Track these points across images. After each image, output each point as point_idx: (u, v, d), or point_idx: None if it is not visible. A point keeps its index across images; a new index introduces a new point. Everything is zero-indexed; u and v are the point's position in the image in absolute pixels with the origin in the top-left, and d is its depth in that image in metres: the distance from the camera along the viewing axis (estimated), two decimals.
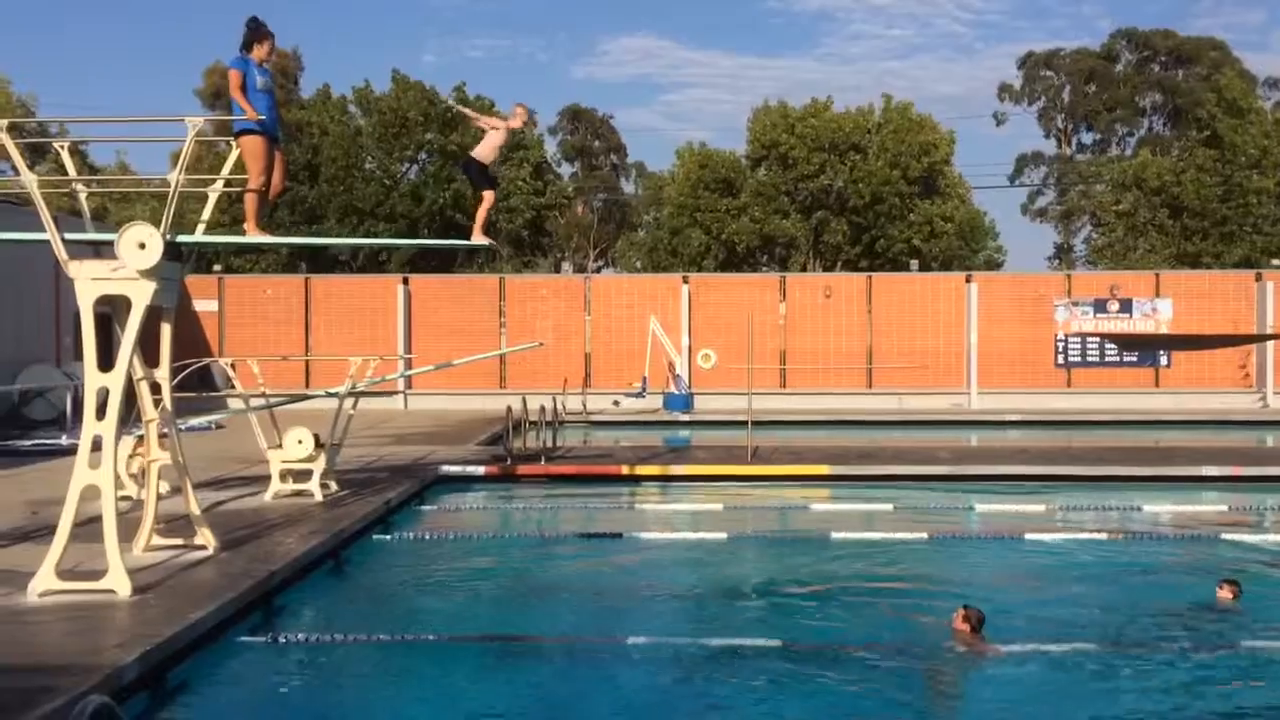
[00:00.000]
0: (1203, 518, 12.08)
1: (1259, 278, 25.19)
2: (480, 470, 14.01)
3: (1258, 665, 6.91)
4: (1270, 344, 24.06)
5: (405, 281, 25.87)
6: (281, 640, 7.16)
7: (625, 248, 52.85)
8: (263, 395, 12.33)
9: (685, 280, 25.91)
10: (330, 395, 12.63)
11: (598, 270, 55.52)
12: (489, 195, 10.25)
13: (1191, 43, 58.15)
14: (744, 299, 24.66)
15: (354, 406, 12.55)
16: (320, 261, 37.11)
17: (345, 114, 40.02)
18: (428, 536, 10.68)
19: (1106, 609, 8.18)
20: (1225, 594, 8.12)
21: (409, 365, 21.65)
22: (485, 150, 10.39)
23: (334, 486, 11.62)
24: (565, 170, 60.01)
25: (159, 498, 8.58)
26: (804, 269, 38.89)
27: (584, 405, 22.85)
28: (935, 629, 7.34)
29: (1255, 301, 24.70)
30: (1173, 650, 7.10)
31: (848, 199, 38.15)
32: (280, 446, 11.26)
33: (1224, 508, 12.48)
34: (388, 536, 10.58)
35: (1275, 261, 32.25)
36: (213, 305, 25.45)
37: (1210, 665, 6.85)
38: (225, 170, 10.07)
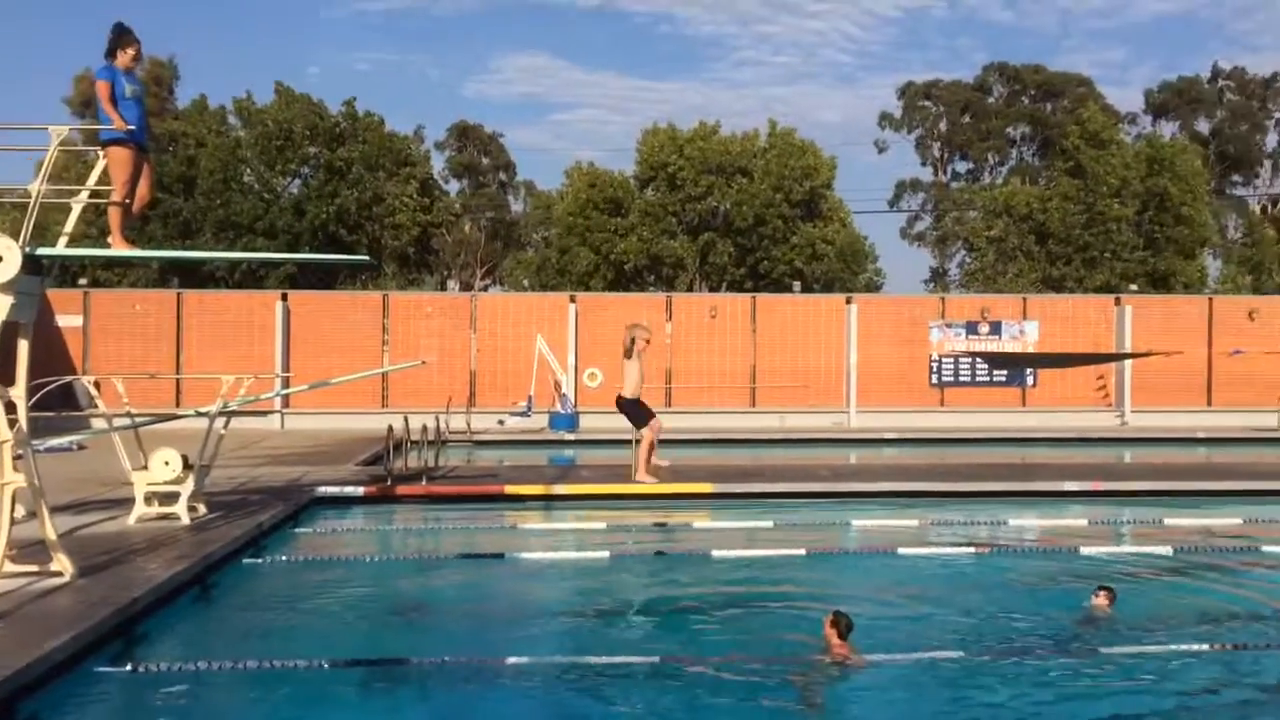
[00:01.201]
0: (1065, 531, 12.58)
1: (1118, 302, 26.46)
2: (359, 491, 13.72)
3: (1123, 670, 7.20)
4: (1128, 366, 25.29)
5: (284, 298, 25.25)
6: (142, 670, 6.88)
7: (513, 266, 52.64)
8: (128, 414, 11.85)
9: (573, 299, 25.92)
10: (200, 415, 12.21)
11: (485, 289, 55.15)
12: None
13: (1059, 77, 61.02)
14: (631, 318, 24.74)
15: (226, 426, 12.17)
16: (194, 277, 35.95)
17: (224, 125, 38.95)
18: (302, 560, 10.40)
19: (976, 618, 8.44)
20: (1101, 600, 8.43)
21: (285, 384, 21.11)
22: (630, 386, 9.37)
23: (203, 509, 11.23)
24: (452, 187, 59.52)
25: (13, 522, 8.17)
26: (690, 289, 39.34)
27: (468, 424, 22.60)
28: (810, 641, 7.47)
29: (1114, 324, 25.93)
30: (1040, 657, 7.37)
31: (733, 221, 38.76)
32: (146, 468, 10.84)
33: (1084, 521, 13.01)
34: (259, 560, 10.27)
35: (1133, 287, 33.99)
36: (77, 321, 24.40)
37: (1076, 670, 7.13)
38: (91, 180, 9.68)
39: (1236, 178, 62.50)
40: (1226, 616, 8.58)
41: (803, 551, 10.92)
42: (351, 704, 6.62)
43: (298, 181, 39.18)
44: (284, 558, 10.44)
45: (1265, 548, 11.20)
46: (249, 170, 38.22)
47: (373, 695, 6.77)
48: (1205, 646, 7.59)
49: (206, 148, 37.11)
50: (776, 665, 7.17)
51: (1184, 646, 7.60)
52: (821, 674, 7.03)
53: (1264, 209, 57.57)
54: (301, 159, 38.35)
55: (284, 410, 24.04)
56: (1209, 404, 25.84)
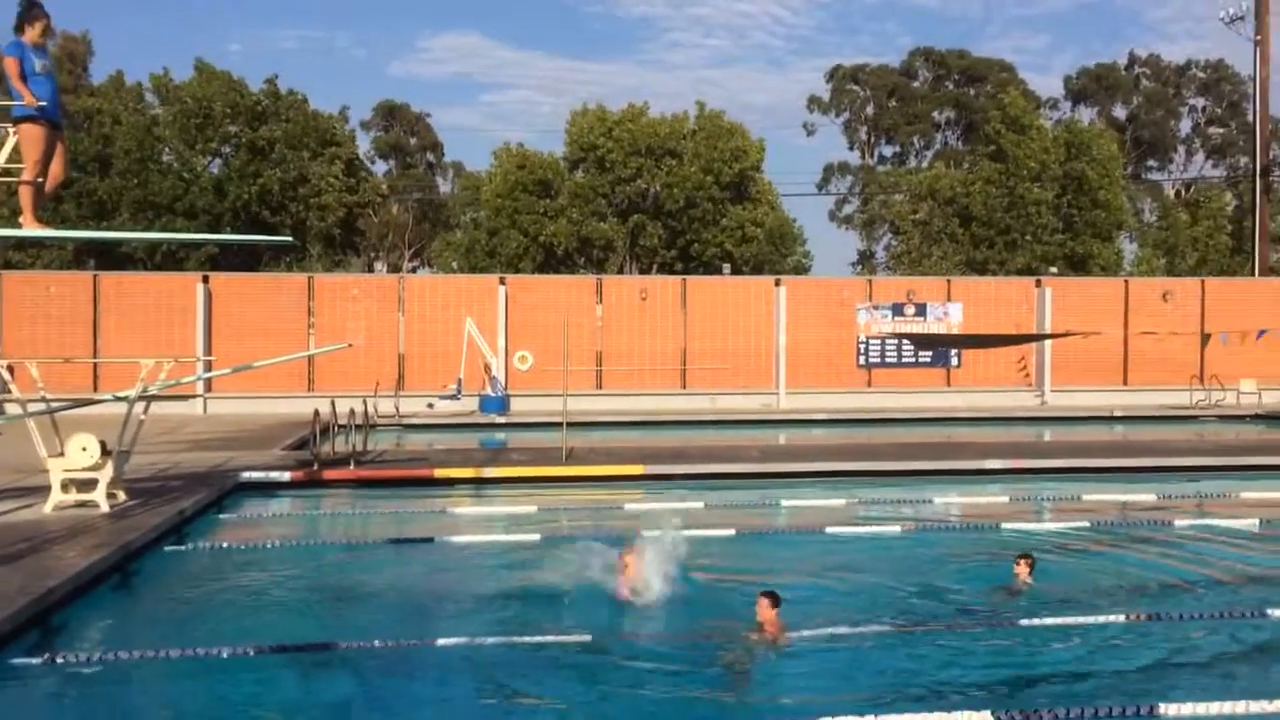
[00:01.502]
0: (987, 507, 12.88)
1: (1039, 284, 27.06)
2: (285, 476, 13.51)
3: (1043, 640, 7.40)
4: (1048, 347, 25.91)
5: (205, 280, 24.69)
6: (60, 660, 6.71)
7: (442, 248, 52.11)
8: (43, 399, 11.51)
9: (502, 281, 25.75)
10: (119, 399, 11.91)
11: (413, 270, 54.53)
12: None
13: (983, 63, 62.04)
14: (561, 301, 24.75)
15: (146, 411, 11.89)
16: (111, 258, 34.98)
17: (141, 103, 37.88)
18: (226, 546, 10.22)
19: (902, 593, 8.63)
20: (1021, 569, 8.69)
21: (208, 367, 20.67)
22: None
23: (122, 496, 10.97)
24: (379, 168, 58.68)
25: None
26: (621, 271, 39.33)
27: (397, 408, 22.37)
28: (741, 618, 7.55)
29: (1035, 306, 26.53)
30: (964, 628, 7.55)
31: (663, 203, 38.80)
32: (62, 454, 10.56)
33: (1005, 498, 13.32)
34: (182, 548, 10.07)
35: (1053, 269, 34.79)
36: None
37: (998, 641, 7.32)
38: (0, 159, 9.36)
39: (1152, 162, 64.26)
40: (1140, 587, 8.87)
41: (733, 531, 11.03)
42: (278, 690, 6.54)
43: (218, 161, 38.29)
44: (208, 544, 10.25)
45: (1177, 521, 11.58)
46: (167, 149, 37.25)
47: (300, 681, 6.69)
48: (1120, 617, 7.84)
49: (123, 125, 36.06)
50: (708, 642, 7.24)
51: (1100, 618, 7.84)
52: (752, 650, 7.12)
53: (1178, 193, 59.28)
54: (222, 138, 37.47)
55: (207, 395, 23.55)
56: (1125, 383, 26.58)
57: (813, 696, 6.26)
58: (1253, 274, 32.53)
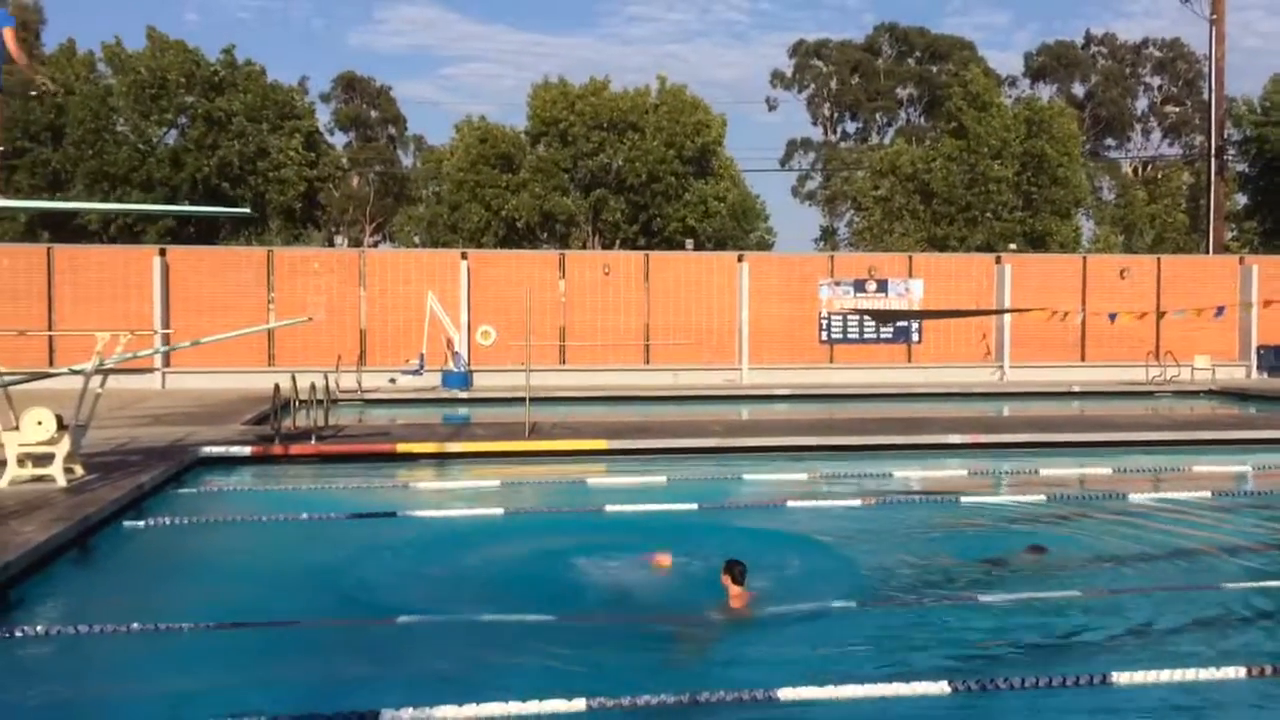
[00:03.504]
0: (948, 481, 13.04)
1: (999, 260, 27.32)
2: (245, 451, 13.39)
3: (1003, 613, 7.51)
4: (1007, 323, 26.20)
5: (162, 253, 24.34)
6: (18, 634, 6.63)
7: (403, 222, 51.63)
8: None
9: (464, 256, 25.60)
10: (75, 373, 11.74)
11: (374, 245, 54.06)
12: None
13: (945, 40, 62.26)
14: (524, 276, 24.65)
15: (103, 385, 11.73)
16: (66, 232, 34.33)
17: (94, 72, 37.10)
18: (186, 522, 10.12)
19: (864, 567, 8.70)
20: (1030, 556, 8.87)
21: (166, 340, 20.40)
22: None
23: (80, 471, 10.83)
24: (339, 140, 57.99)
25: None
26: (584, 247, 39.21)
27: (359, 383, 22.24)
28: (704, 592, 7.60)
29: (995, 282, 26.79)
30: (925, 603, 7.66)
31: (625, 178, 38.68)
32: (17, 429, 10.39)
33: (965, 472, 13.49)
34: (140, 523, 9.95)
35: (1012, 246, 35.14)
36: None
37: (959, 615, 7.42)
38: None
39: (1110, 141, 64.93)
40: (1096, 559, 9.03)
41: (695, 506, 11.08)
42: (239, 666, 6.50)
43: (174, 133, 37.63)
44: (167, 520, 10.14)
45: (1132, 495, 11.78)
46: (122, 120, 36.53)
47: (260, 657, 6.65)
48: (1077, 592, 7.97)
49: (76, 96, 35.31)
50: (671, 617, 7.29)
51: (1058, 592, 7.98)
52: (716, 623, 7.17)
53: (1135, 171, 59.96)
54: (178, 108, 36.81)
55: (165, 370, 23.27)
56: (1083, 359, 26.96)
57: (775, 669, 6.32)
58: (1207, 252, 33.03)
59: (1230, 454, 14.66)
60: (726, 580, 7.33)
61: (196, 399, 20.34)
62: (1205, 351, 26.37)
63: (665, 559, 8.32)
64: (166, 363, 23.21)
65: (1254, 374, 26.86)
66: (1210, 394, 24.28)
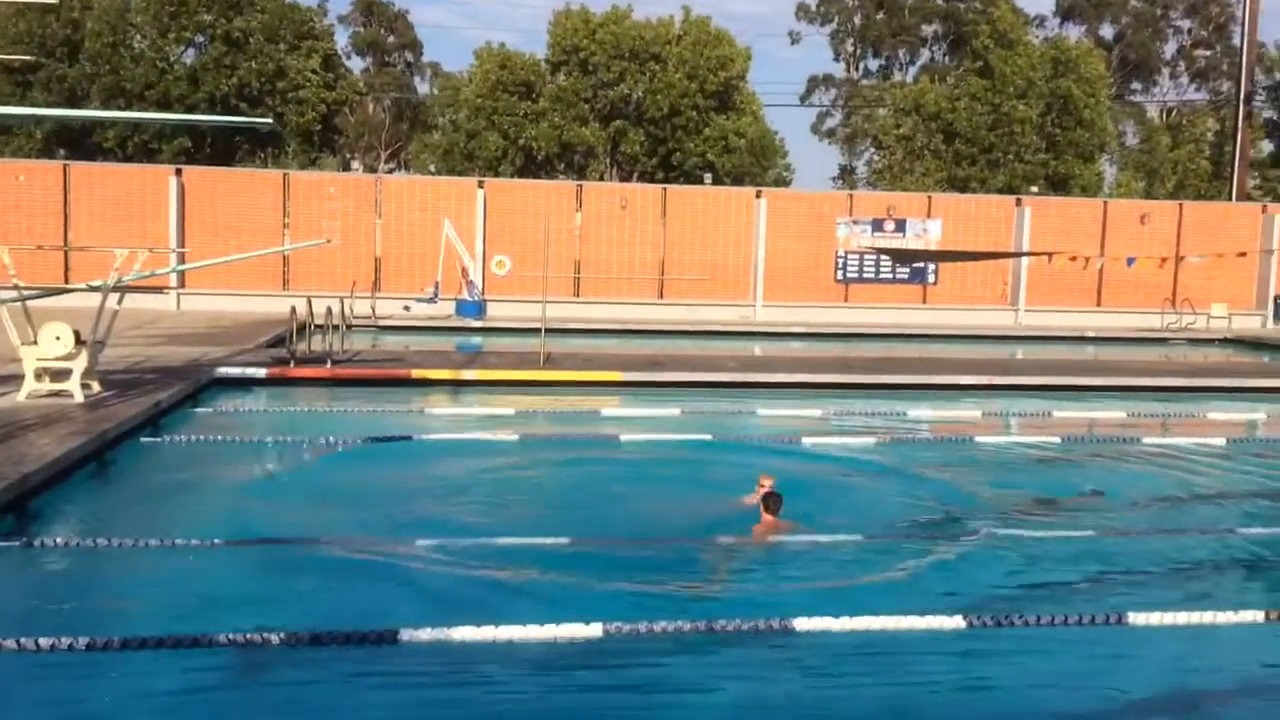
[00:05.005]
0: (960, 421, 13.02)
1: (1019, 203, 27.01)
2: (261, 373, 13.44)
3: (1007, 551, 7.52)
4: (1024, 266, 25.98)
5: (178, 173, 24.22)
6: (37, 544, 6.71)
7: (419, 149, 51.17)
8: (15, 288, 11.33)
9: (481, 185, 25.41)
10: (93, 289, 11.75)
11: (390, 171, 53.69)
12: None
13: None
14: (540, 206, 24.46)
15: (120, 303, 11.74)
16: (82, 150, 34.17)
17: None
18: (202, 440, 10.19)
19: (871, 504, 8.72)
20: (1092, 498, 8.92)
21: (181, 260, 20.39)
22: None
23: (96, 387, 10.88)
24: (356, 64, 57.28)
25: None
26: (601, 178, 38.88)
27: (373, 309, 22.24)
28: (714, 521, 7.63)
29: (1014, 225, 26.52)
30: (933, 538, 7.68)
31: (646, 110, 38.21)
32: (35, 343, 10.43)
33: (979, 413, 13.46)
34: (157, 439, 10.03)
35: (1033, 189, 34.70)
36: None
37: (966, 550, 7.43)
38: None
39: (1136, 85, 63.74)
40: (1110, 502, 9.02)
41: (709, 437, 11.10)
42: (254, 582, 6.56)
43: (192, 51, 37.25)
44: (183, 437, 10.21)
45: (1145, 439, 11.76)
46: (140, 36, 36.16)
47: (276, 574, 6.71)
48: (1091, 532, 7.98)
49: (93, 10, 34.94)
50: (684, 545, 7.32)
51: (1064, 533, 7.99)
52: (732, 551, 7.22)
53: (1161, 115, 58.99)
54: (196, 26, 36.39)
55: (180, 290, 23.26)
56: (1099, 304, 26.77)
57: (794, 597, 6.36)
58: (1230, 199, 32.58)
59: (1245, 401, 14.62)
60: (762, 507, 7.41)
61: (211, 320, 20.39)
62: (1223, 300, 26.15)
63: (767, 480, 8.12)
64: (181, 283, 23.20)
65: (1270, 323, 26.65)
66: (1225, 342, 24.13)
